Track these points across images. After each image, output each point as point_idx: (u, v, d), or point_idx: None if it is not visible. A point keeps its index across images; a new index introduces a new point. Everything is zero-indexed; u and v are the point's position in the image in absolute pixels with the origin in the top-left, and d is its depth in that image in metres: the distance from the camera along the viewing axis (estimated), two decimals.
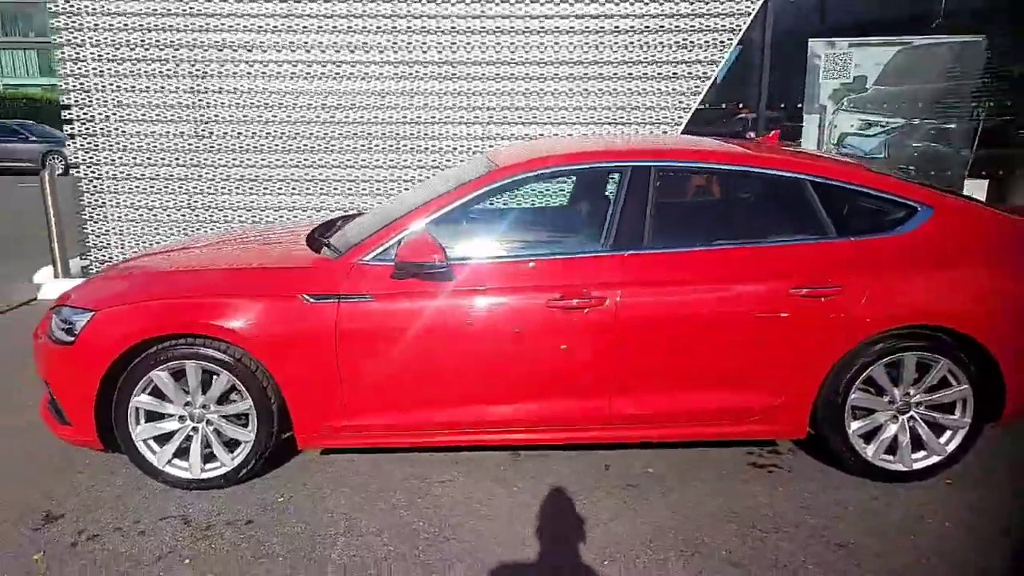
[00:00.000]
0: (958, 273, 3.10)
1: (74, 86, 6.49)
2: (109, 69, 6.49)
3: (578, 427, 3.21)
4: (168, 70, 6.46)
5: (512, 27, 6.38)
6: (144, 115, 6.54)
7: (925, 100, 7.82)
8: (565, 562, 2.72)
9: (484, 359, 3.12)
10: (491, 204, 3.74)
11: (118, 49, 6.44)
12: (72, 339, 3.11)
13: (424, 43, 6.39)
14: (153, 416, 3.18)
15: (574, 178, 4.17)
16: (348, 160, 6.63)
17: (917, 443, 3.22)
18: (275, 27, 6.34)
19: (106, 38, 6.40)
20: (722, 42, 6.54)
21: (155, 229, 6.74)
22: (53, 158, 18.32)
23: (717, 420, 3.20)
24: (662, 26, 6.50)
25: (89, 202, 6.66)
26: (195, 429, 3.20)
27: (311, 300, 3.07)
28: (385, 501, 3.14)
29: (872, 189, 3.22)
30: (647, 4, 6.39)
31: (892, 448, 3.22)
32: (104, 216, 6.72)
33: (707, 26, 6.48)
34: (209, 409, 3.18)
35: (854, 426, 3.20)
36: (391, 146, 6.58)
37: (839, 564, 2.69)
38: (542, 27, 6.39)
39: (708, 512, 3.03)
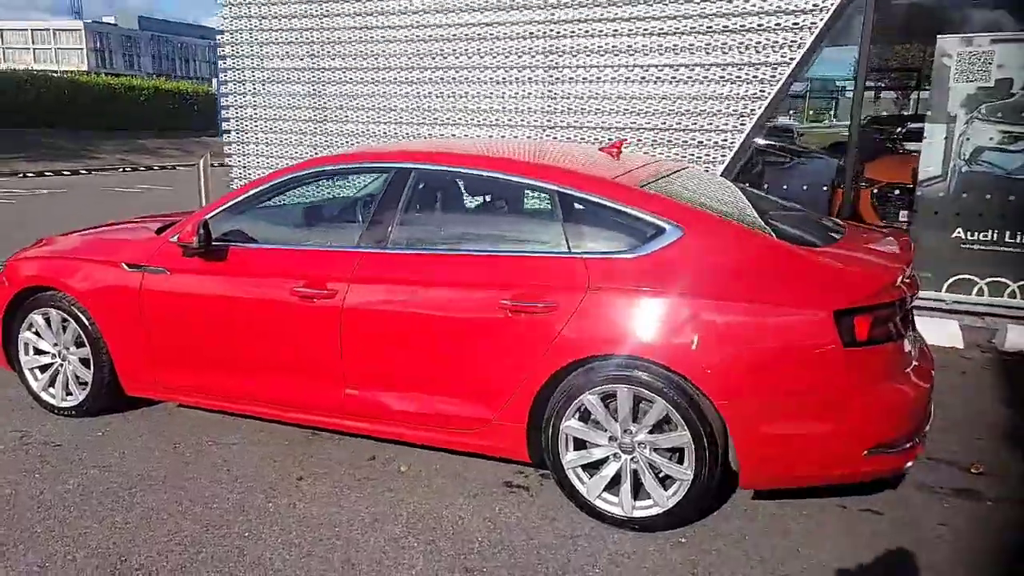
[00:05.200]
0: (686, 304, 2.73)
1: (229, 78, 8.14)
2: (258, 77, 8.02)
3: (318, 412, 3.38)
4: (300, 77, 7.79)
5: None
6: (283, 115, 7.93)
7: None
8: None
9: (240, 336, 3.43)
10: (305, 195, 4.05)
11: (262, 60, 7.96)
12: None
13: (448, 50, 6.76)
14: (37, 351, 3.98)
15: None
16: None
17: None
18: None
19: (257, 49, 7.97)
20: (795, 42, 6.00)
21: None
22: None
23: (440, 427, 3.17)
24: (726, 26, 6.14)
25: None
26: (61, 366, 3.93)
27: (127, 268, 3.63)
28: (174, 453, 3.58)
29: (622, 205, 2.95)
30: (715, 3, 6.11)
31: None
32: None
33: (777, 24, 5.98)
34: (69, 351, 3.89)
35: (569, 457, 2.96)
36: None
37: None
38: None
39: (405, 520, 2.99)
